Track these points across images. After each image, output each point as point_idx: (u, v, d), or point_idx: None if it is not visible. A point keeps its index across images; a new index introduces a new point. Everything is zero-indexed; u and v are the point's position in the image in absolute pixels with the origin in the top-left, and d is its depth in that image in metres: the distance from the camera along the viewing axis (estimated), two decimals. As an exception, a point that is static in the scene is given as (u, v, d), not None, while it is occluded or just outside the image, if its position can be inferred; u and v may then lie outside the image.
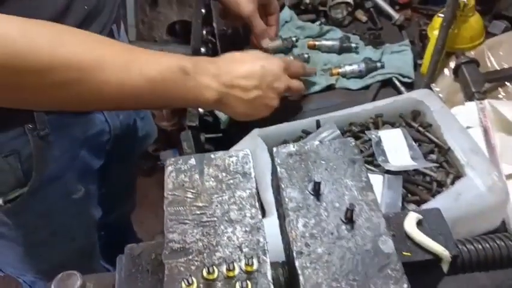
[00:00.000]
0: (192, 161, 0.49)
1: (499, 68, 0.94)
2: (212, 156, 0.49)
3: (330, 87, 1.01)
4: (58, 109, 0.73)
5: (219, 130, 1.17)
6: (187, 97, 0.75)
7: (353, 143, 0.50)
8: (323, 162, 0.48)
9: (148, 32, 2.58)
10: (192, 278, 0.39)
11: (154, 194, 2.40)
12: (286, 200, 0.45)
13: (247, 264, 0.40)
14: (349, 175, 0.47)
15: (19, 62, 0.58)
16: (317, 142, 0.50)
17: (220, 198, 0.45)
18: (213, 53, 1.31)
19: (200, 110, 1.28)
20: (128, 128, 1.01)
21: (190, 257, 0.41)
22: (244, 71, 0.81)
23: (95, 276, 0.48)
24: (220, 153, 0.49)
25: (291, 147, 0.50)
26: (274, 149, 0.50)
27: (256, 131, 0.84)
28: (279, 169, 0.48)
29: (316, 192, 0.45)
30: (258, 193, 0.78)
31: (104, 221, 1.17)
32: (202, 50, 1.31)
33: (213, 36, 1.34)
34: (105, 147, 0.96)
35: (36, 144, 0.78)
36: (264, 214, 0.76)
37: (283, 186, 0.46)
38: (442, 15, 0.85)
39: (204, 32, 1.35)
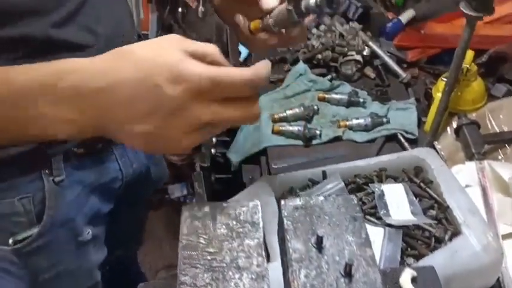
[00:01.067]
0: (207, 209, 0.53)
1: (498, 131, 0.99)
2: (225, 205, 0.54)
3: (336, 139, 1.06)
4: None
5: (229, 171, 1.22)
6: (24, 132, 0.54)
7: (355, 201, 0.55)
8: (326, 217, 0.53)
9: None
10: (201, 320, 0.42)
11: (161, 228, 2.42)
12: (291, 250, 0.49)
13: (252, 310, 0.43)
14: (350, 231, 0.51)
15: None
16: (322, 198, 0.54)
17: (230, 245, 0.49)
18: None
19: (212, 150, 1.33)
20: (140, 175, 1.03)
21: (200, 300, 0.45)
22: (126, 95, 0.50)
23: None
24: (232, 203, 0.54)
25: (298, 201, 0.54)
26: (282, 202, 0.54)
27: (264, 178, 0.89)
28: (285, 221, 0.52)
29: (319, 245, 0.49)
30: (264, 240, 0.82)
31: (109, 257, 1.20)
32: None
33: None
34: (116, 192, 0.99)
35: (50, 189, 0.80)
36: (268, 258, 0.79)
37: (288, 237, 0.50)
38: (446, 79, 0.91)
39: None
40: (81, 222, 0.91)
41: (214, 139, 1.29)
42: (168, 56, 0.49)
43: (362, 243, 0.50)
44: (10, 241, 0.82)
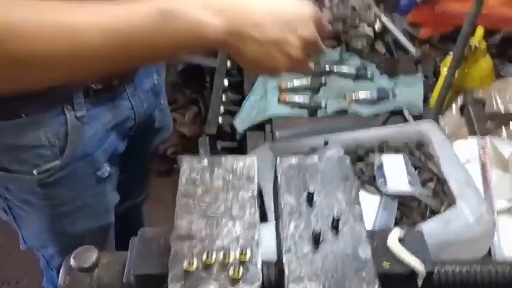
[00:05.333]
0: (205, 162, 0.55)
1: (503, 111, 0.99)
2: (223, 158, 0.56)
3: (342, 111, 1.08)
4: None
5: (235, 140, 1.24)
6: (176, 40, 0.62)
7: (348, 162, 0.56)
8: (319, 175, 0.55)
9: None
10: (194, 259, 0.45)
11: (169, 195, 2.45)
12: (282, 204, 0.51)
13: (241, 254, 0.46)
14: (340, 189, 0.53)
15: None
16: (316, 157, 0.56)
17: (225, 196, 0.52)
18: (239, 67, 1.39)
19: (219, 119, 1.35)
20: (150, 118, 1.09)
21: (193, 242, 0.47)
22: (265, 4, 0.67)
23: (108, 254, 0.55)
24: (230, 157, 0.56)
25: (293, 160, 0.56)
26: (278, 159, 0.56)
27: (267, 145, 0.91)
28: (279, 177, 0.54)
29: (310, 200, 0.52)
30: (261, 197, 0.84)
31: (116, 210, 1.25)
32: (228, 64, 1.39)
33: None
34: (129, 133, 1.04)
35: (72, 124, 0.86)
36: (266, 219, 0.82)
37: (281, 192, 0.53)
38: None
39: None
40: (100, 158, 0.97)
41: (222, 107, 1.32)
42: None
43: (351, 201, 0.52)
44: (34, 171, 0.88)
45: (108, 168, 0.99)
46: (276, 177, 0.55)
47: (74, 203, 0.98)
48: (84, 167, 0.94)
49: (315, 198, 0.52)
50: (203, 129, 1.31)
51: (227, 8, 0.64)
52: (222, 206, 0.51)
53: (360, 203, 0.53)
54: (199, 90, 2.83)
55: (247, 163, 0.55)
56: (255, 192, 0.53)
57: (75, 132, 0.87)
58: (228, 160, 0.56)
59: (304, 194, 0.52)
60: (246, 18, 0.65)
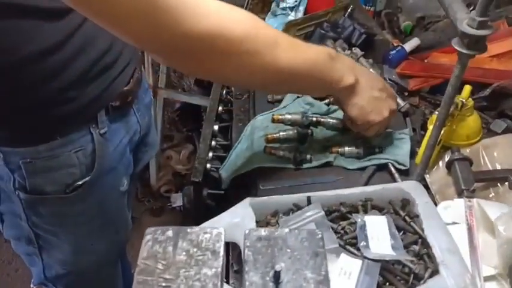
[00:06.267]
0: (170, 233, 0.53)
1: (492, 168, 0.97)
2: (189, 230, 0.54)
3: (327, 164, 1.06)
4: (236, 80, 0.95)
5: (221, 186, 1.22)
6: (332, 78, 0.90)
7: (320, 236, 0.54)
8: (288, 250, 0.52)
9: (178, 80, 2.71)
10: None
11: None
12: (247, 283, 0.49)
13: None
14: (310, 267, 0.51)
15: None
16: (286, 230, 0.54)
17: (187, 273, 0.49)
18: (229, 111, 1.39)
19: (208, 165, 1.34)
20: (148, 132, 1.18)
21: (148, 327, 0.44)
22: (375, 75, 1.08)
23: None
24: (196, 229, 0.54)
25: (262, 232, 0.54)
26: (246, 231, 0.54)
27: (248, 200, 0.89)
28: (246, 251, 0.52)
29: (276, 280, 0.49)
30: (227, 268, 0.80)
31: None
32: (220, 108, 1.39)
33: (231, 96, 1.42)
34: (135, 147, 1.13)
35: (98, 141, 0.94)
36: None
37: (246, 269, 0.50)
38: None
39: (224, 91, 1.43)
40: (121, 172, 1.05)
41: (210, 153, 1.31)
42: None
43: (320, 281, 0.50)
44: (67, 190, 0.94)
45: (126, 182, 1.07)
46: (243, 251, 0.53)
47: (101, 218, 1.04)
48: (109, 181, 1.01)
49: (282, 276, 0.49)
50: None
51: (355, 67, 0.96)
52: (182, 285, 0.48)
53: (329, 283, 0.50)
54: (195, 128, 2.84)
55: (214, 235, 0.53)
56: (219, 269, 0.50)
57: (101, 148, 0.95)
58: (194, 231, 0.53)
59: (271, 273, 0.50)
60: (365, 77, 0.96)
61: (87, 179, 0.95)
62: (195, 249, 0.52)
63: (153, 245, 0.52)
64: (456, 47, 0.75)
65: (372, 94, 0.96)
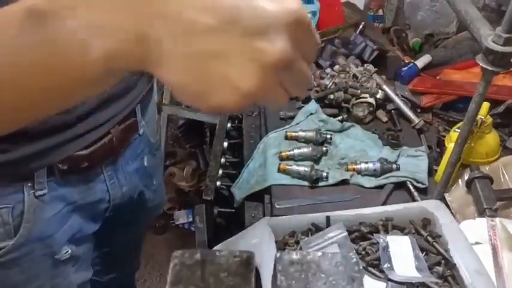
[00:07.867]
0: (198, 256, 0.51)
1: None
2: (217, 253, 0.51)
3: (343, 182, 1.04)
4: None
5: (233, 205, 1.19)
6: (68, 54, 0.38)
7: (355, 259, 0.51)
8: (323, 275, 0.50)
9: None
10: None
11: (162, 253, 2.39)
12: (282, 311, 0.46)
13: None
14: (346, 293, 0.48)
15: None
16: (319, 253, 0.52)
17: (218, 299, 0.47)
18: (238, 128, 1.37)
19: (218, 183, 1.32)
20: (131, 200, 1.01)
21: None
22: None
23: None
24: (225, 252, 0.51)
25: (294, 255, 0.51)
26: (278, 254, 0.51)
27: (265, 220, 0.86)
28: (279, 276, 0.49)
29: (313, 307, 0.46)
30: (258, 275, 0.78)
31: (103, 280, 1.17)
32: (228, 125, 1.37)
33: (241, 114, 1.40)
34: (104, 214, 0.97)
35: (30, 202, 0.80)
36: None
37: (281, 295, 0.47)
38: (459, 130, 0.88)
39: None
40: (60, 240, 0.88)
41: (220, 171, 1.29)
42: None
43: (359, 308, 0.47)
44: None
45: (69, 251, 0.91)
46: (275, 276, 0.50)
47: (29, 286, 0.88)
48: (40, 249, 0.85)
49: (318, 303, 0.47)
50: (201, 184, 1.28)
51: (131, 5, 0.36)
52: (213, 313, 0.46)
53: (367, 310, 0.48)
54: (198, 144, 2.82)
55: (245, 259, 0.51)
56: (251, 296, 0.48)
57: (32, 212, 0.80)
58: (223, 255, 0.51)
59: (307, 299, 0.47)
60: (163, 11, 0.36)
61: (9, 242, 0.80)
62: (225, 274, 0.49)
63: (181, 269, 0.49)
64: (481, 64, 0.74)
65: (194, 47, 0.36)
